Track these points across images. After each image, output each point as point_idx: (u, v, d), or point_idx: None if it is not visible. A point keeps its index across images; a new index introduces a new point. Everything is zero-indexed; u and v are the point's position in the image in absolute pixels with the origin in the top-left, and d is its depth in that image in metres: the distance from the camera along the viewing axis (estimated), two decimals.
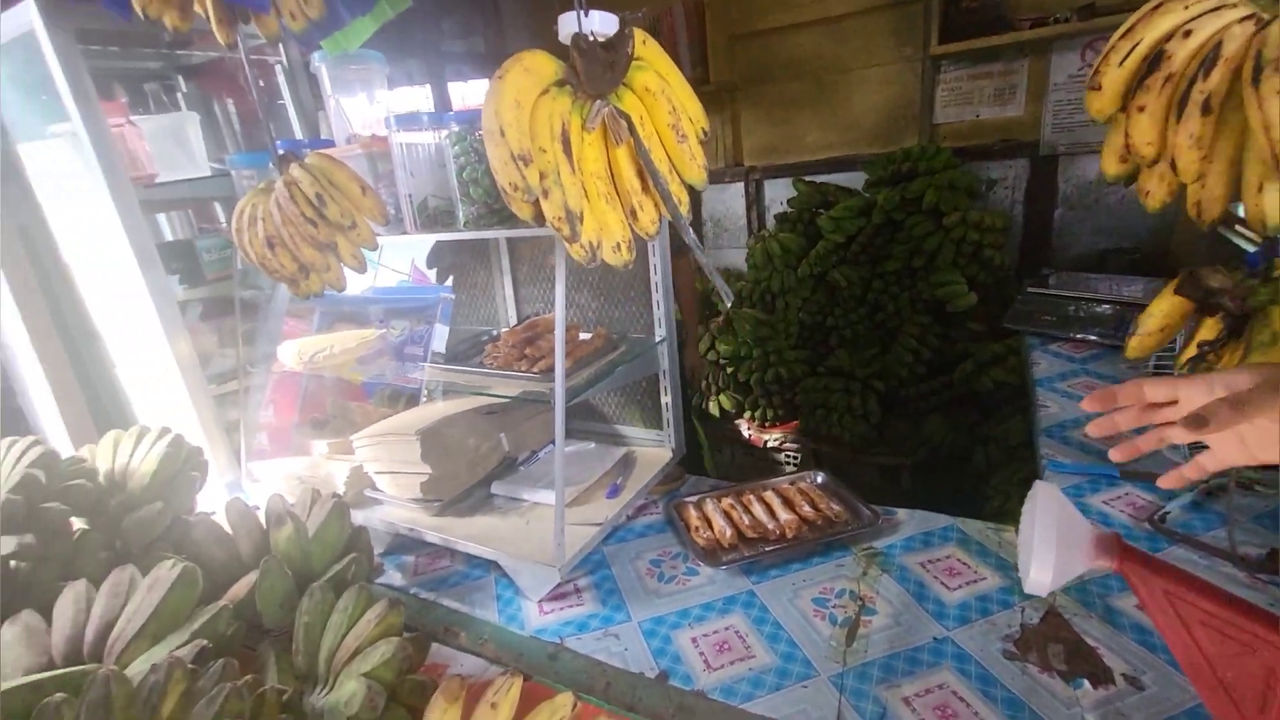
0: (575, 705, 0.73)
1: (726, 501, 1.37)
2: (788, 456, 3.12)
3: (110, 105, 1.63)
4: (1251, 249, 1.77)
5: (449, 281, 1.78)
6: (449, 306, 1.67)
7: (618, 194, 0.78)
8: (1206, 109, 0.71)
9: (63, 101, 1.36)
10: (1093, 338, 1.98)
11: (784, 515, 1.28)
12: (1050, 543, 0.62)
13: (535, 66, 0.76)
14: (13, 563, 1.03)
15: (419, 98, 3.32)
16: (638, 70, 0.82)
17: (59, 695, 0.73)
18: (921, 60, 2.78)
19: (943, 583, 1.09)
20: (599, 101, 0.75)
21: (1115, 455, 0.69)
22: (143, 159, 1.48)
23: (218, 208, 2.00)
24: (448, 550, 1.32)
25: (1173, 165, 0.76)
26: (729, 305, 0.93)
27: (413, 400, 1.68)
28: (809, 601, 1.08)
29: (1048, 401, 1.71)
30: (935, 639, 0.97)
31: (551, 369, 1.20)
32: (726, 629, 1.04)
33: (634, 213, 0.77)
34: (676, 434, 1.51)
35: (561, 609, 1.13)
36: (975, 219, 2.61)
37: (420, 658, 0.92)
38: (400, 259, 1.79)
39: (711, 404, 3.30)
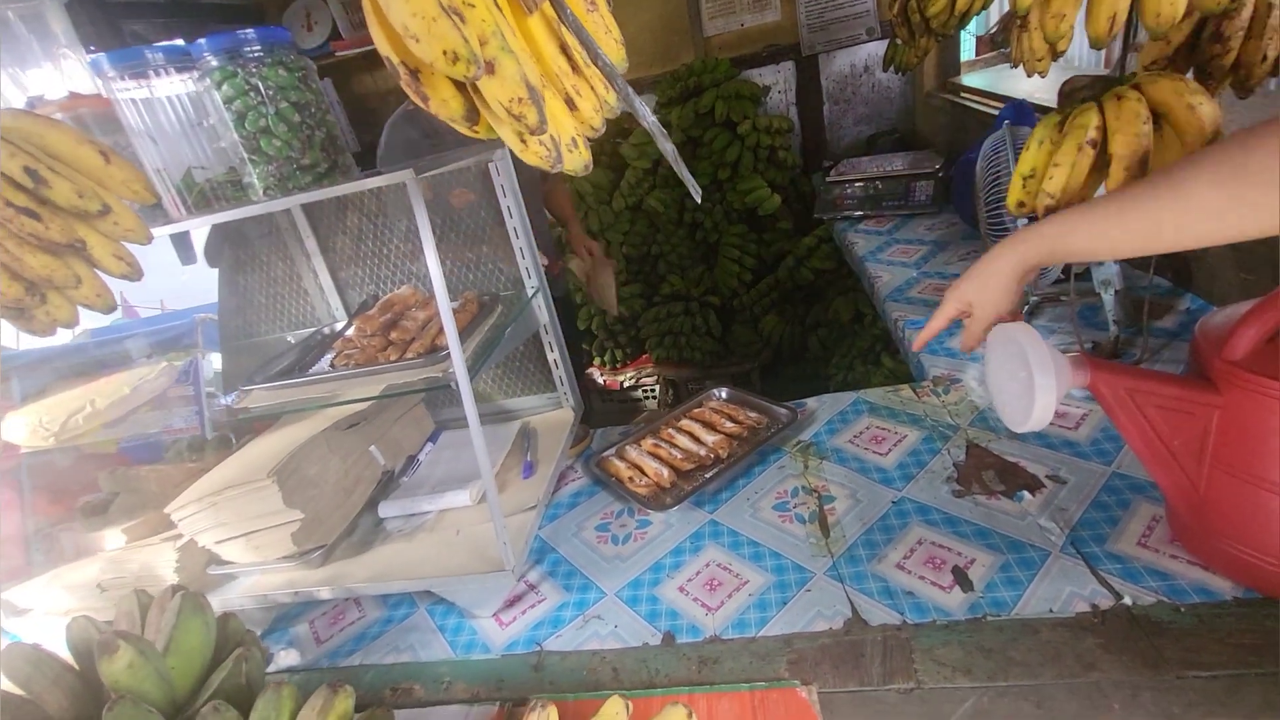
0: (629, 706, 0.61)
1: (648, 443, 1.29)
2: (645, 391, 3.15)
3: None
4: (992, 109, 2.09)
5: (239, 284, 1.40)
6: (212, 328, 1.32)
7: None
8: None
9: None
10: (896, 208, 2.24)
11: (710, 438, 1.25)
12: (1049, 372, 0.64)
13: None
14: None
15: None
16: None
17: None
18: None
19: (874, 451, 1.15)
20: None
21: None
22: None
23: None
24: (351, 601, 1.08)
25: None
26: (699, 200, 0.80)
27: (224, 444, 1.32)
28: (770, 510, 1.07)
29: (878, 273, 1.88)
30: (894, 502, 1.02)
31: (430, 350, 0.99)
32: (707, 565, 0.98)
33: (570, 101, 0.60)
34: (573, 390, 1.38)
35: (524, 613, 0.98)
36: (764, 124, 2.74)
37: None
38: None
39: None
